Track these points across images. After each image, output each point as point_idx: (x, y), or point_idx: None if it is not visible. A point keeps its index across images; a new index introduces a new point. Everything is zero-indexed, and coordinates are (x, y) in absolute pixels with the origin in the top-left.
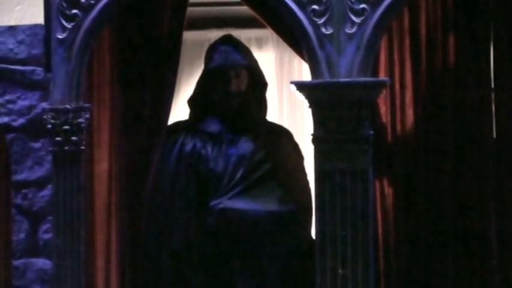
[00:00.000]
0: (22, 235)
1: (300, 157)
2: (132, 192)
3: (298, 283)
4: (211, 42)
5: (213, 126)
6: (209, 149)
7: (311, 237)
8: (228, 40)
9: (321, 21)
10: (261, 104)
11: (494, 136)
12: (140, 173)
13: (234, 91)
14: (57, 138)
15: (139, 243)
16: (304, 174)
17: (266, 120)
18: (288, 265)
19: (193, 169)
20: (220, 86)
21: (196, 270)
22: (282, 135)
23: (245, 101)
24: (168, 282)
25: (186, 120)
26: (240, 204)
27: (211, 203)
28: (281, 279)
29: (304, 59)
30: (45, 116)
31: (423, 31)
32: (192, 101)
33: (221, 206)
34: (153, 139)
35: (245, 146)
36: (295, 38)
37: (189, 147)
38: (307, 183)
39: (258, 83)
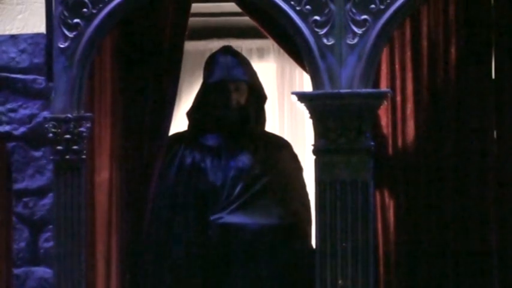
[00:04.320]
0: (23, 243)
1: (299, 169)
2: (133, 202)
3: None
4: (211, 54)
5: (212, 140)
6: (208, 162)
7: (311, 248)
8: (227, 52)
9: (322, 31)
10: (260, 117)
11: (496, 148)
12: (141, 182)
13: (234, 105)
14: (58, 147)
15: (139, 253)
16: (304, 186)
17: (265, 132)
18: (287, 278)
19: (193, 182)
20: (220, 100)
21: (196, 282)
22: (281, 147)
23: (244, 114)
24: None
25: (186, 132)
26: (239, 218)
27: (212, 218)
28: None
29: (305, 70)
30: (46, 125)
31: (425, 42)
32: (191, 114)
33: (221, 221)
34: (154, 149)
35: (244, 159)
36: (296, 49)
37: (188, 160)
38: (306, 195)
39: (258, 96)
